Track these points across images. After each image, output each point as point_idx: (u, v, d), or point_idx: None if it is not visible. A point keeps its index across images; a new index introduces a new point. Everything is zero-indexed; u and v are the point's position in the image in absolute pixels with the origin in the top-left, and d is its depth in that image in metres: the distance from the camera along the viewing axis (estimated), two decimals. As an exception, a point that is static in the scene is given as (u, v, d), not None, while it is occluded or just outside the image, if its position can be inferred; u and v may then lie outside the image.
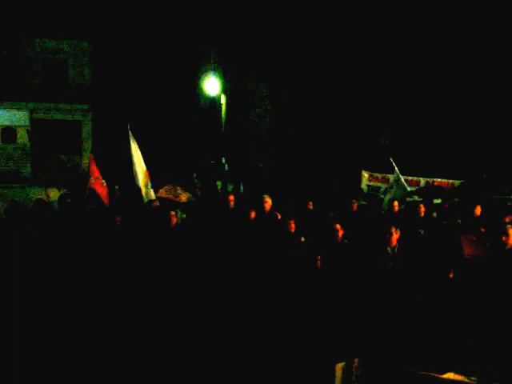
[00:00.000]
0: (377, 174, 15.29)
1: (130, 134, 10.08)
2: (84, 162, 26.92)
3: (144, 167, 10.10)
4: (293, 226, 8.03)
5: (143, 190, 9.87)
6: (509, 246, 6.66)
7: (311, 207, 10.35)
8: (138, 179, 9.93)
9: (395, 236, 7.29)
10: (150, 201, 9.65)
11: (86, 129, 29.05)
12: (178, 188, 11.00)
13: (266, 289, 7.10)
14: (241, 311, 6.85)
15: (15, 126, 28.40)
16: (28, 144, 28.14)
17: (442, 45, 27.25)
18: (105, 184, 9.86)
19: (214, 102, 25.29)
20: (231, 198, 9.33)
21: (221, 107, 24.63)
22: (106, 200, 9.75)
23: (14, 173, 26.27)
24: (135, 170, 9.96)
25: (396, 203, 10.60)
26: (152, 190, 10.13)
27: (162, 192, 10.73)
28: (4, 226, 7.80)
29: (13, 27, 27.37)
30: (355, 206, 10.25)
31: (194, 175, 21.62)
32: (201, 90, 26.04)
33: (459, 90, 27.17)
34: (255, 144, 29.47)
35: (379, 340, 6.47)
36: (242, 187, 19.24)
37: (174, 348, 6.46)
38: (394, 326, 6.55)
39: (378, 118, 28.89)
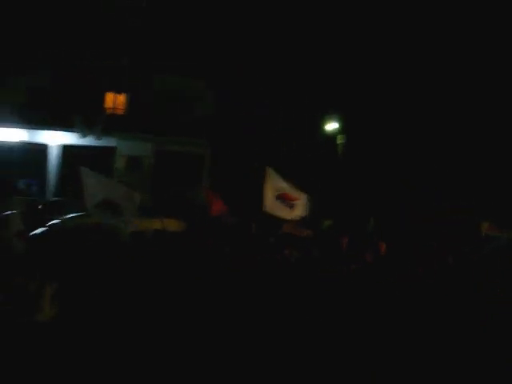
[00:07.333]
0: (495, 226, 14.52)
1: (270, 171, 10.38)
2: (203, 194, 27.70)
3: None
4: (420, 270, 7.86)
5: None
6: None
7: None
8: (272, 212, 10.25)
9: None
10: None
11: (206, 163, 29.93)
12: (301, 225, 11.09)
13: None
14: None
15: (139, 155, 29.89)
16: (151, 174, 29.68)
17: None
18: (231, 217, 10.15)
19: (332, 141, 25.55)
20: (345, 240, 9.20)
21: (337, 147, 24.90)
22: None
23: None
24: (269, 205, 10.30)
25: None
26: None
27: (287, 227, 10.79)
28: (126, 253, 8.09)
29: (140, 65, 29.08)
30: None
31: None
32: (321, 128, 26.38)
33: None
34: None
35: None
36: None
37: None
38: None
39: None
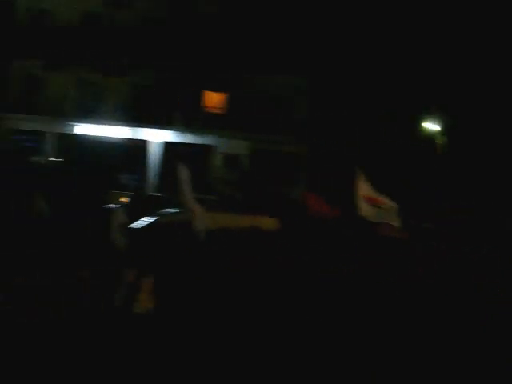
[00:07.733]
0: None
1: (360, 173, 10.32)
2: (298, 193, 27.69)
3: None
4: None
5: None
6: None
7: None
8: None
9: None
10: None
11: (303, 162, 29.76)
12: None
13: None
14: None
15: (237, 153, 30.32)
16: (246, 171, 30.07)
17: None
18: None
19: (433, 141, 25.09)
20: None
21: (436, 147, 24.55)
22: None
23: (228, 198, 27.96)
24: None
25: None
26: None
27: (381, 230, 10.57)
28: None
29: (238, 67, 29.53)
30: None
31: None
32: (422, 128, 25.95)
33: None
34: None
35: None
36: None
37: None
38: None
39: None
